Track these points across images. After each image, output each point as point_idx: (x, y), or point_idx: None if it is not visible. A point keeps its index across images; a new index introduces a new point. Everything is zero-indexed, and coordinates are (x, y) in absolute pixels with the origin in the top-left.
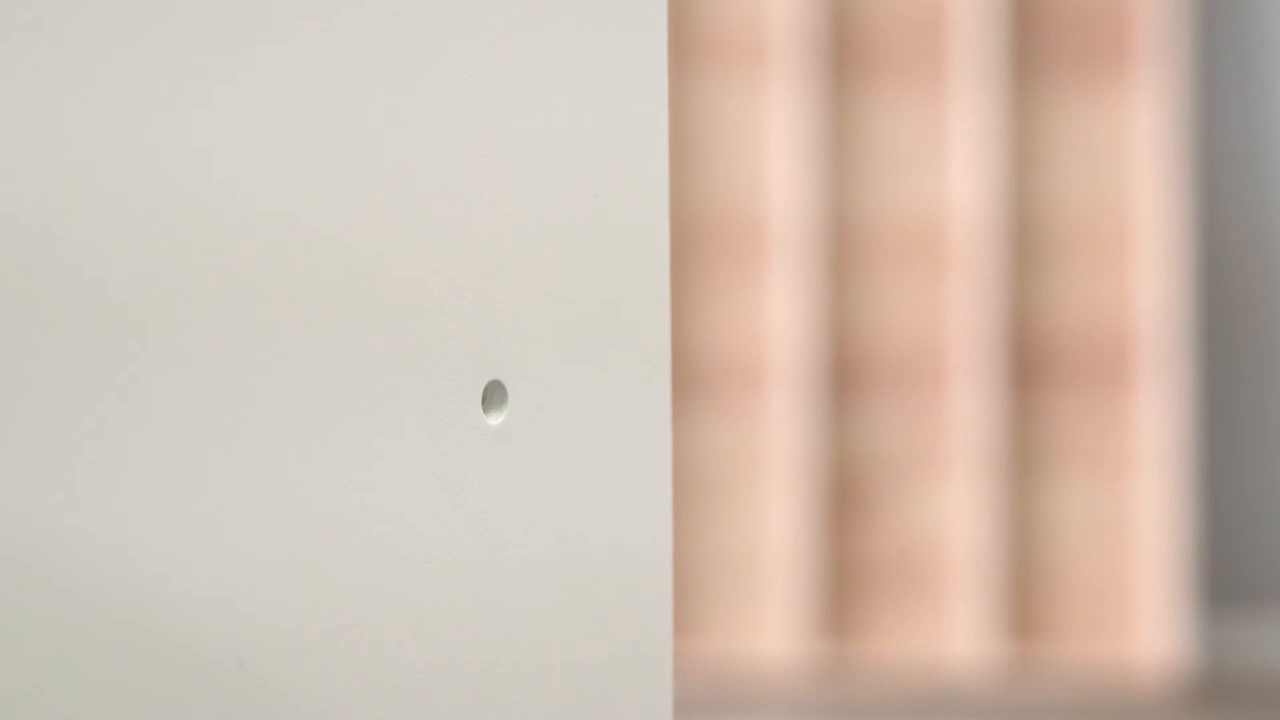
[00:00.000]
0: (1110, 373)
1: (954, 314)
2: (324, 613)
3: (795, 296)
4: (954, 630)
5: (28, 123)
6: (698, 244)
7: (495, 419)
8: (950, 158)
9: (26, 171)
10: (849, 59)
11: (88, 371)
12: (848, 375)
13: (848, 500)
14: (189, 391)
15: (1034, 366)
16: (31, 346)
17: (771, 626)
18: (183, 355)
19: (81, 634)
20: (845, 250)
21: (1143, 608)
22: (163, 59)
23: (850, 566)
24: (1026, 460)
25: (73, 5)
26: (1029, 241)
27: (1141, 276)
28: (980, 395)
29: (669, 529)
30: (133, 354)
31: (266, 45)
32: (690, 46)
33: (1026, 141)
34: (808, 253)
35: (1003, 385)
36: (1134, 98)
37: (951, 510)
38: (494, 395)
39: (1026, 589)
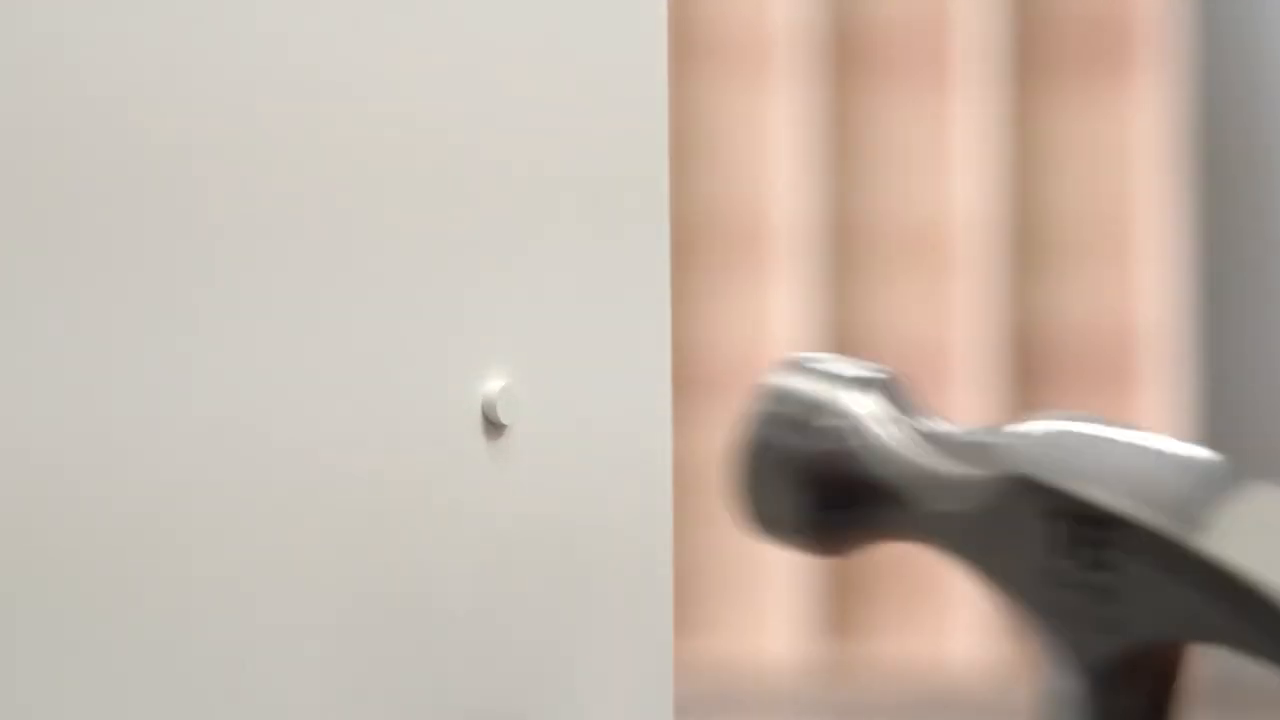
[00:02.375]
0: (1113, 374)
1: (956, 315)
2: (321, 610)
3: (797, 298)
4: (956, 631)
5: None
6: (699, 245)
7: (496, 418)
8: (952, 159)
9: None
10: (851, 60)
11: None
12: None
13: None
14: (181, 384)
15: (1036, 368)
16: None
17: (772, 627)
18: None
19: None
20: (847, 252)
21: None
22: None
23: (852, 567)
24: None
25: None
26: (1031, 243)
27: (1144, 278)
28: (983, 397)
29: (669, 528)
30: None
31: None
32: (690, 46)
33: (1029, 143)
34: (809, 254)
35: (1005, 387)
36: (1136, 99)
37: None
38: (495, 395)
39: None
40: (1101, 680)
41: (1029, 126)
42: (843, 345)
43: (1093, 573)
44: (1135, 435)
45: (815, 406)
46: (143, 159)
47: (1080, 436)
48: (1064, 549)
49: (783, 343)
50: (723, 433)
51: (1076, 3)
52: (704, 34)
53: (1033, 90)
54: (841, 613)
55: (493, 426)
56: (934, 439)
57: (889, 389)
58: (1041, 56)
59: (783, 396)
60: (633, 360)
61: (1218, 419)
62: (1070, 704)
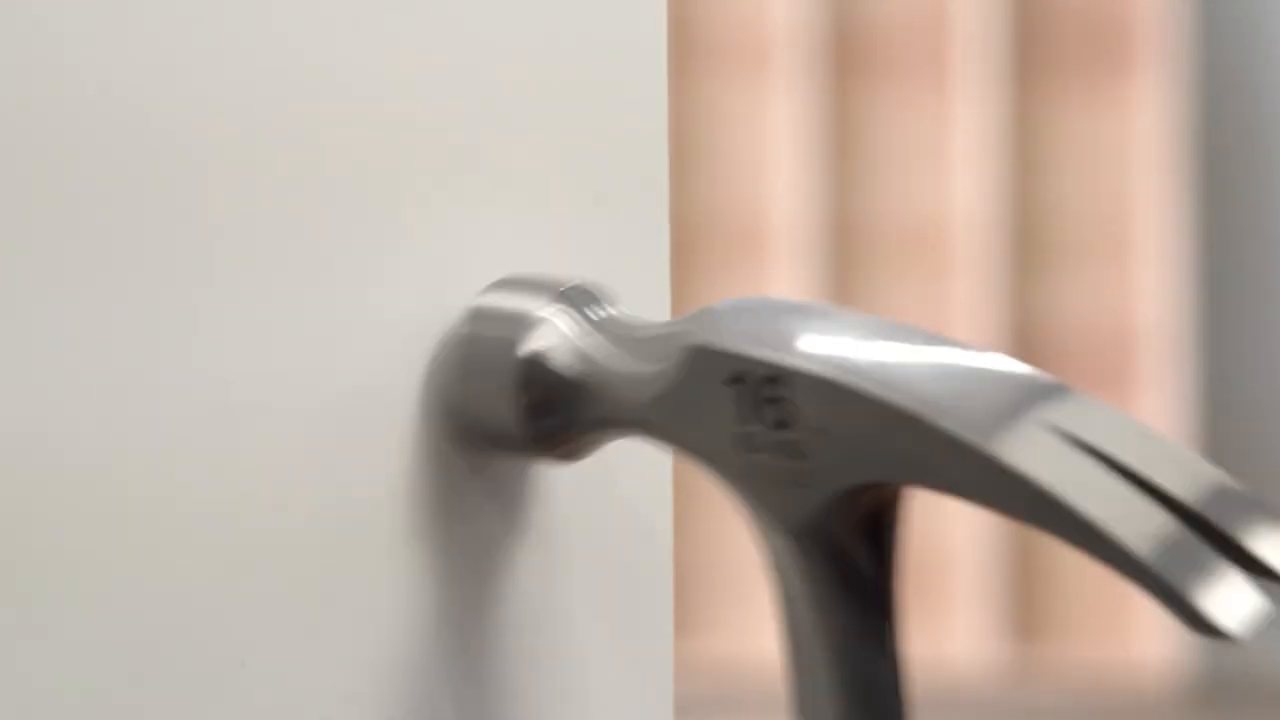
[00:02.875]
0: (1112, 373)
1: (956, 315)
2: (319, 609)
3: (796, 298)
4: (957, 631)
5: None
6: (699, 245)
7: None
8: (952, 159)
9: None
10: (851, 60)
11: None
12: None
13: None
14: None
15: (1036, 368)
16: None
17: (773, 627)
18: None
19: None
20: (847, 251)
21: (1144, 608)
22: None
23: None
24: None
25: None
26: (1031, 242)
27: (1143, 277)
28: None
29: (669, 528)
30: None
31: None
32: (691, 46)
33: (1028, 142)
34: (810, 254)
35: None
36: (1135, 98)
37: (953, 511)
38: None
39: (1029, 590)
40: (810, 537)
41: (1029, 126)
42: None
43: (777, 432)
44: (800, 305)
45: (510, 320)
46: (140, 157)
47: (753, 308)
48: (748, 413)
49: None
50: None
51: (1076, 3)
52: (704, 34)
53: (1033, 90)
54: None
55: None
56: (623, 338)
57: (578, 298)
58: (1041, 56)
59: (478, 315)
60: None
61: (1218, 419)
62: (788, 569)
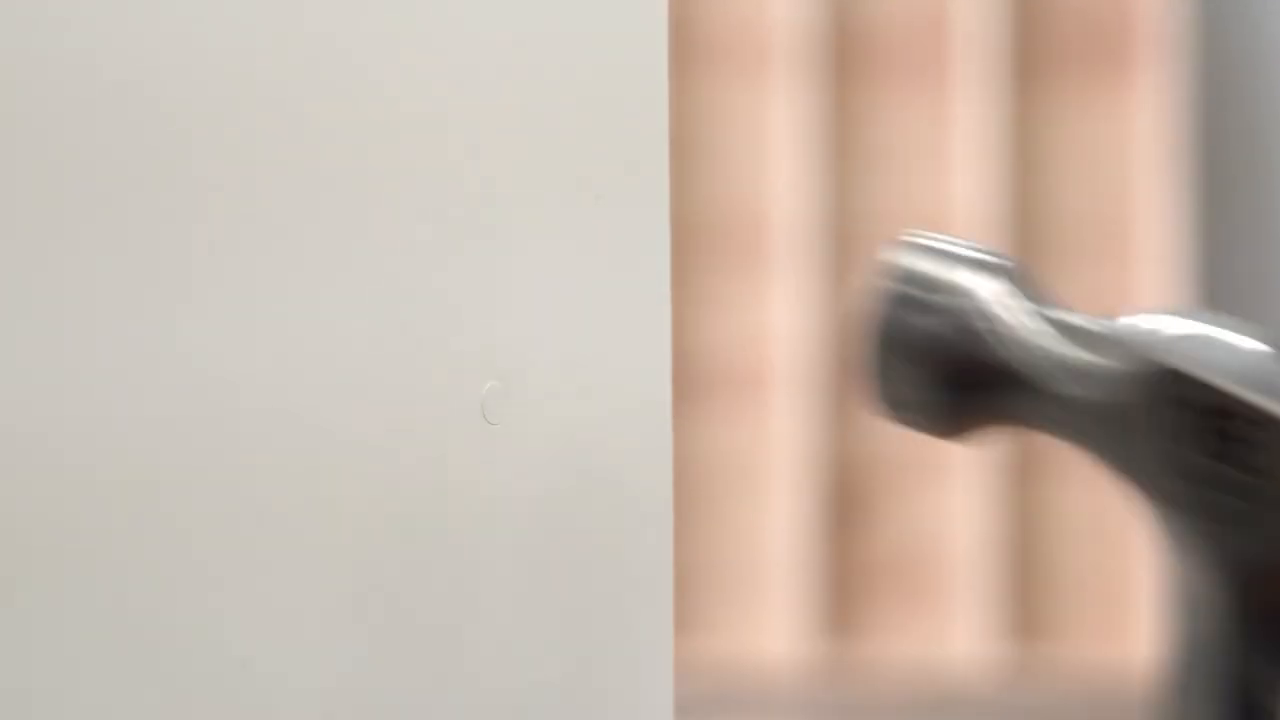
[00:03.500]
0: None
1: None
2: (318, 611)
3: (797, 298)
4: (956, 631)
5: None
6: (699, 245)
7: (496, 417)
8: (952, 159)
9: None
10: (851, 60)
11: None
12: (850, 377)
13: (850, 501)
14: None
15: None
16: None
17: (773, 626)
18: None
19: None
20: (847, 252)
21: (1144, 608)
22: None
23: (852, 567)
24: (1028, 461)
25: None
26: (1030, 242)
27: (1144, 278)
28: None
29: (669, 528)
30: None
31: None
32: (691, 46)
33: (1028, 143)
34: (810, 254)
35: None
36: (1135, 99)
37: (953, 511)
38: (495, 396)
39: (1028, 590)
40: (1243, 580)
41: (1029, 126)
42: (843, 346)
43: (1240, 473)
44: (1260, 339)
45: (940, 286)
46: (148, 156)
47: (1218, 334)
48: (1211, 448)
49: (784, 343)
50: (725, 434)
51: (1076, 3)
52: (704, 34)
53: (1032, 90)
54: (841, 613)
55: (492, 426)
56: (1062, 326)
57: (1013, 274)
58: (1041, 57)
59: (907, 276)
60: (633, 360)
61: None
62: (1204, 602)
